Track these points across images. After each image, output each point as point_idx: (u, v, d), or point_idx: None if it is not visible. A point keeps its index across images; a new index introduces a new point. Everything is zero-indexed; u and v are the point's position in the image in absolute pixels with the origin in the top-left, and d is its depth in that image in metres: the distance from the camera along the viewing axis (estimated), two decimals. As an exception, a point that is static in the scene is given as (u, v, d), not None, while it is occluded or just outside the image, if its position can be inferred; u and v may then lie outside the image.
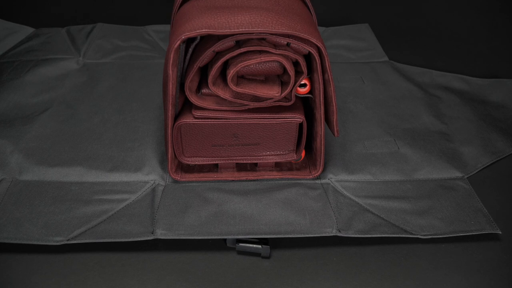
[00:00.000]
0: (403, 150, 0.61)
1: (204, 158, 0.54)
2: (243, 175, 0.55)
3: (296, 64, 0.48)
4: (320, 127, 0.52)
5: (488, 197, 0.55)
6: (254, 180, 0.56)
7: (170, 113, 0.49)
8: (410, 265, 0.48)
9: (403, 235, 0.49)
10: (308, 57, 0.49)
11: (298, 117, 0.51)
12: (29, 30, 0.89)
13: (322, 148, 0.53)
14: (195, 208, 0.51)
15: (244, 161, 0.55)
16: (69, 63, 0.78)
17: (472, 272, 0.47)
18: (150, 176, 0.56)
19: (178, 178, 0.54)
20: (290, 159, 0.55)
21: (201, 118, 0.50)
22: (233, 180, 0.55)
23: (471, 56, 0.86)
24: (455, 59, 0.85)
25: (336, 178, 0.56)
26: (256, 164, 0.56)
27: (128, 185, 0.55)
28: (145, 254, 0.49)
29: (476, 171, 0.59)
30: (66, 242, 0.47)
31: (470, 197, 0.54)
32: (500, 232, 0.50)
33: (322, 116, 0.51)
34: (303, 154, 0.56)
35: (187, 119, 0.50)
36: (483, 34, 0.94)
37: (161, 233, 0.48)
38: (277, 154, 0.55)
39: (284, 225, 0.49)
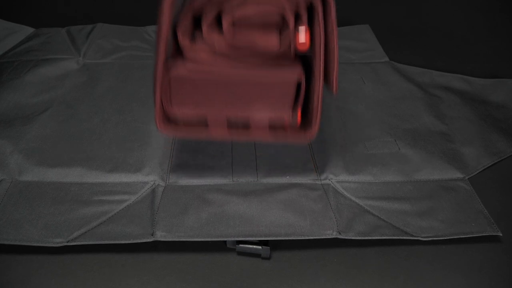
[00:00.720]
0: (403, 150, 0.61)
1: (193, 109, 0.49)
2: (234, 134, 0.50)
3: (296, 16, 0.45)
4: (318, 83, 0.47)
5: (489, 198, 0.55)
6: (254, 181, 0.55)
7: (161, 57, 0.45)
8: (411, 266, 0.48)
9: (404, 237, 0.49)
10: (310, 12, 0.46)
11: (296, 74, 0.47)
12: (29, 30, 0.89)
13: (319, 107, 0.48)
14: (195, 209, 0.51)
15: (236, 115, 0.49)
16: (69, 63, 0.78)
17: (472, 272, 0.47)
18: (150, 176, 0.56)
19: (165, 131, 0.48)
20: (286, 119, 0.50)
21: (194, 71, 0.46)
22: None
23: (471, 56, 0.86)
24: (456, 59, 0.85)
25: (336, 179, 0.56)
26: (248, 125, 0.50)
27: (128, 185, 0.55)
28: (145, 255, 0.49)
29: (477, 171, 0.58)
30: (66, 244, 0.47)
31: (471, 198, 0.54)
32: (501, 234, 0.50)
33: (321, 72, 0.47)
34: (299, 118, 0.50)
35: (179, 71, 0.46)
36: (484, 34, 0.94)
37: (161, 235, 0.48)
38: (272, 114, 0.49)
39: (284, 227, 0.49)
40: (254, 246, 0.48)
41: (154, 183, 0.55)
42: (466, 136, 0.64)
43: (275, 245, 0.50)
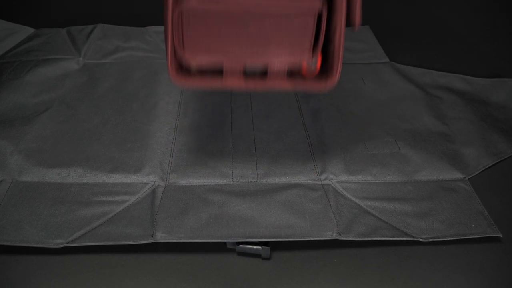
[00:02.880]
0: (404, 151, 0.61)
1: (208, 55, 0.45)
2: (250, 83, 0.46)
3: None
4: (341, 18, 0.43)
5: (489, 198, 0.55)
6: (254, 181, 0.55)
7: None
8: (411, 267, 0.48)
9: (404, 238, 0.49)
10: None
11: (316, 3, 0.43)
12: (30, 30, 0.89)
13: (341, 46, 0.45)
14: (195, 210, 0.51)
15: (253, 61, 0.46)
16: (69, 64, 0.78)
17: (473, 273, 0.47)
18: (150, 177, 0.56)
19: (179, 81, 0.45)
20: (306, 59, 0.46)
21: (207, 2, 0.42)
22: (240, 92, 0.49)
23: (472, 56, 0.86)
24: (456, 59, 0.85)
25: (336, 179, 0.56)
26: (265, 74, 0.47)
27: (128, 186, 0.55)
28: (145, 256, 0.48)
29: (478, 172, 0.58)
30: (66, 245, 0.47)
31: (471, 199, 0.54)
32: (501, 236, 0.50)
33: (344, 3, 0.43)
34: (319, 62, 0.47)
35: (191, 3, 0.42)
36: (484, 34, 0.94)
37: (161, 236, 0.48)
38: (291, 54, 0.46)
39: (284, 228, 0.49)
40: (254, 247, 0.48)
41: (154, 184, 0.55)
42: (467, 136, 0.64)
43: (275, 246, 0.50)
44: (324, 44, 0.46)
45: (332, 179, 0.56)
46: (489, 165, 0.59)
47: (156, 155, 0.59)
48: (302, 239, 0.48)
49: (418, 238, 0.49)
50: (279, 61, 0.46)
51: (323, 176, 0.56)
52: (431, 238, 0.49)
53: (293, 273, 0.47)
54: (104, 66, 0.79)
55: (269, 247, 0.48)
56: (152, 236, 0.48)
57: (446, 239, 0.49)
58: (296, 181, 0.56)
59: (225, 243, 0.49)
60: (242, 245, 0.48)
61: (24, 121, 0.64)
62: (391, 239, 0.49)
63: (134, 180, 0.55)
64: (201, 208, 0.51)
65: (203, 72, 0.46)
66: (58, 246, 0.47)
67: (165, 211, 0.51)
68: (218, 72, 0.46)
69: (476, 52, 0.87)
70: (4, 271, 0.47)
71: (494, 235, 0.50)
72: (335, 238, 0.49)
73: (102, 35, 0.87)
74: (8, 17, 0.91)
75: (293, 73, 0.48)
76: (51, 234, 0.48)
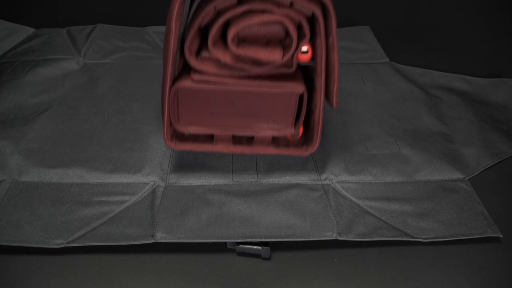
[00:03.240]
0: (404, 151, 0.61)
1: (200, 127, 0.51)
2: (238, 149, 0.52)
3: (299, 28, 0.46)
4: (320, 98, 0.49)
5: (489, 198, 0.55)
6: (254, 182, 0.55)
7: (170, 71, 0.46)
8: (411, 267, 0.48)
9: (404, 239, 0.49)
10: (311, 22, 0.46)
11: (299, 87, 0.48)
12: (30, 30, 0.89)
13: (320, 122, 0.50)
14: (195, 210, 0.51)
15: (241, 133, 0.52)
16: (69, 64, 0.78)
17: (473, 273, 0.47)
18: (150, 177, 0.56)
19: (173, 146, 0.51)
20: (288, 133, 0.52)
21: (200, 82, 0.48)
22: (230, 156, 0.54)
23: (472, 56, 0.86)
24: (456, 59, 0.85)
25: (337, 179, 0.56)
26: (252, 138, 0.53)
27: (128, 186, 0.55)
28: (145, 256, 0.48)
29: (478, 172, 0.58)
30: (66, 245, 0.47)
31: (471, 199, 0.54)
32: (501, 236, 0.50)
33: (322, 85, 0.48)
34: (301, 130, 0.53)
35: (185, 83, 0.48)
36: (484, 34, 0.94)
37: (161, 237, 0.48)
38: (275, 128, 0.52)
39: (284, 228, 0.49)
40: (254, 247, 0.48)
41: (154, 184, 0.55)
42: (467, 136, 0.64)
43: (275, 246, 0.50)
44: (305, 114, 0.51)
45: (332, 179, 0.56)
46: (489, 165, 0.60)
47: (156, 155, 0.59)
48: (302, 239, 0.48)
49: (418, 238, 0.49)
50: (264, 132, 0.52)
51: (323, 176, 0.56)
52: (431, 238, 0.49)
53: (293, 274, 0.47)
54: (104, 66, 0.79)
55: (269, 248, 0.48)
56: (152, 237, 0.48)
57: (446, 239, 0.49)
58: (296, 181, 0.56)
59: (225, 243, 0.49)
60: (242, 245, 0.48)
61: (24, 121, 0.64)
62: (391, 239, 0.49)
63: (134, 180, 0.55)
64: (201, 208, 0.51)
65: (196, 138, 0.53)
66: (58, 246, 0.47)
67: (165, 211, 0.51)
68: (209, 137, 0.53)
69: (476, 52, 0.87)
70: (4, 271, 0.47)
71: (494, 236, 0.50)
72: (335, 238, 0.49)
73: (102, 35, 0.87)
74: (8, 17, 0.91)
75: (278, 139, 0.54)
76: (51, 234, 0.48)
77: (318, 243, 0.49)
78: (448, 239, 0.49)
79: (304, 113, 0.51)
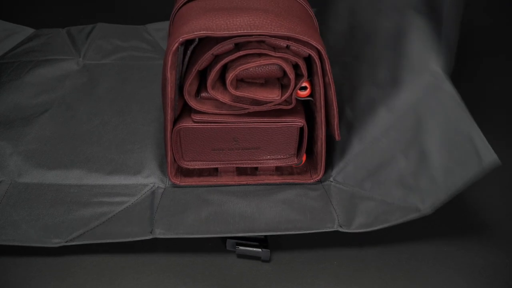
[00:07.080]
0: None
1: (204, 162, 0.54)
2: (243, 180, 0.55)
3: (296, 67, 0.48)
4: (321, 131, 0.52)
5: (489, 198, 0.55)
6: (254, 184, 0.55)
7: (169, 116, 0.49)
8: (411, 268, 0.48)
9: (407, 218, 0.47)
10: (308, 60, 0.48)
11: (298, 121, 0.51)
12: (29, 30, 0.89)
13: (323, 152, 0.53)
14: (195, 208, 0.51)
15: (245, 165, 0.55)
16: (69, 64, 0.78)
17: (473, 275, 0.47)
18: (150, 179, 0.56)
19: (178, 182, 0.54)
20: (291, 163, 0.54)
21: (201, 122, 0.50)
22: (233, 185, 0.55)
23: (471, 56, 0.86)
24: (456, 59, 0.85)
25: (337, 179, 0.56)
26: (256, 168, 0.56)
27: (128, 188, 0.54)
28: (144, 257, 0.48)
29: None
30: (64, 244, 0.47)
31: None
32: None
33: (323, 120, 0.51)
34: (304, 158, 0.55)
35: (186, 123, 0.50)
36: (484, 34, 0.94)
37: (159, 232, 0.48)
38: (278, 158, 0.54)
39: (283, 222, 0.49)
40: (254, 249, 0.48)
41: (153, 185, 0.55)
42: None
43: (275, 248, 0.50)
44: (308, 142, 0.54)
45: (332, 180, 0.56)
46: None
47: (156, 157, 0.59)
48: (302, 232, 0.48)
49: (422, 212, 0.46)
50: (267, 163, 0.54)
51: (323, 178, 0.56)
52: (432, 202, 0.46)
53: (293, 276, 0.47)
54: (104, 67, 0.78)
55: (269, 250, 0.48)
56: (151, 233, 0.48)
57: (449, 195, 0.45)
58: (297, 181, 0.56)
59: (225, 245, 0.49)
60: (242, 247, 0.48)
61: (24, 122, 0.64)
62: (393, 224, 0.47)
63: (134, 181, 0.55)
64: (201, 207, 0.51)
65: (201, 173, 0.55)
66: (56, 246, 0.47)
67: (164, 210, 0.51)
68: (213, 169, 0.56)
69: (476, 52, 0.87)
70: (3, 272, 0.47)
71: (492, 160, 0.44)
72: (335, 229, 0.48)
73: (101, 35, 0.87)
74: (8, 17, 0.91)
75: (282, 168, 0.56)
76: (49, 233, 0.48)
77: (318, 244, 0.49)
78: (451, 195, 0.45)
79: (306, 144, 0.53)
